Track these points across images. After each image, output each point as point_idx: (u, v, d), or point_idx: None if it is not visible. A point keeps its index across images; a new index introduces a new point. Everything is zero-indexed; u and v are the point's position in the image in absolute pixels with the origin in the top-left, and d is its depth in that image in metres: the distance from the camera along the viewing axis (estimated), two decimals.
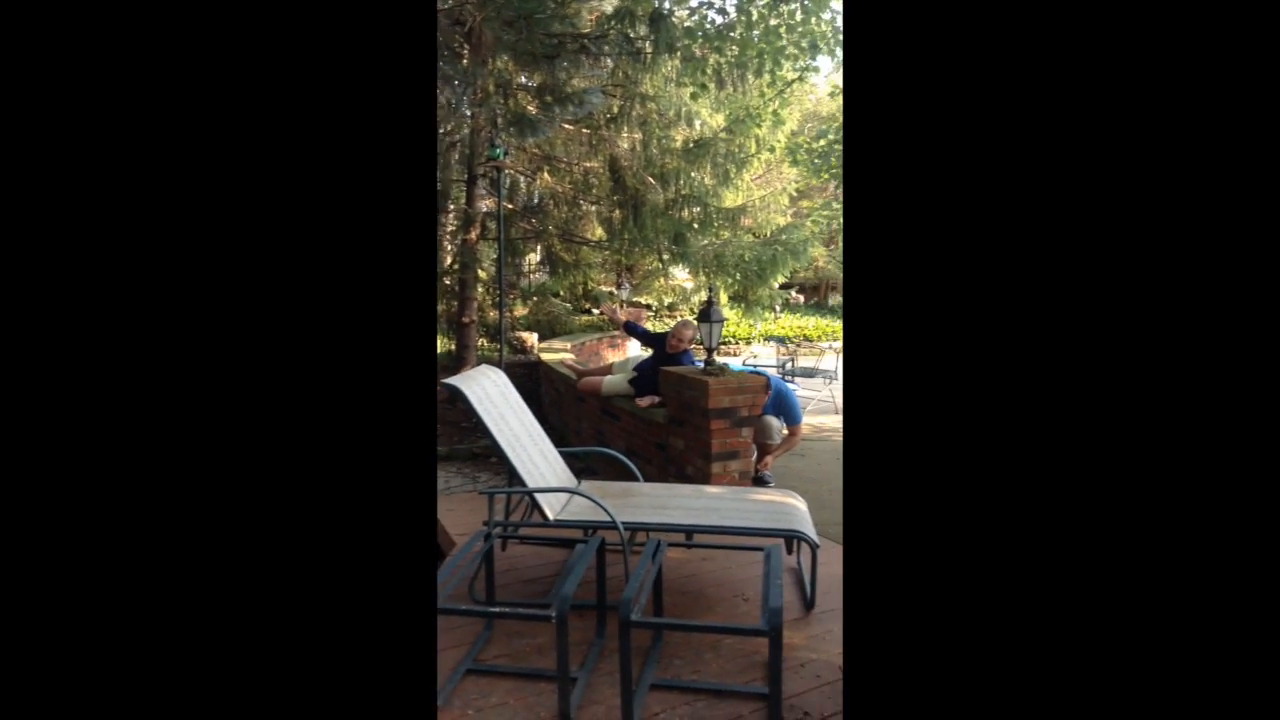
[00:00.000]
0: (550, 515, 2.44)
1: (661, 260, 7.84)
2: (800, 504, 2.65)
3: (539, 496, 2.43)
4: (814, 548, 2.40)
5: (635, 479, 2.98)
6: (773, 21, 4.97)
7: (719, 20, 4.98)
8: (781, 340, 9.94)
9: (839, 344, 9.50)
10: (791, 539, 2.45)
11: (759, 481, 3.80)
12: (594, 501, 2.43)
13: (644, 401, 3.86)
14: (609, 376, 4.37)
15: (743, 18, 4.93)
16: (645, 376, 3.98)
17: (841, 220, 7.75)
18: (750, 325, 9.74)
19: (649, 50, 5.39)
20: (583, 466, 4.05)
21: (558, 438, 4.59)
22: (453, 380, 2.47)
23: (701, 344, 3.80)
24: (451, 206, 7.81)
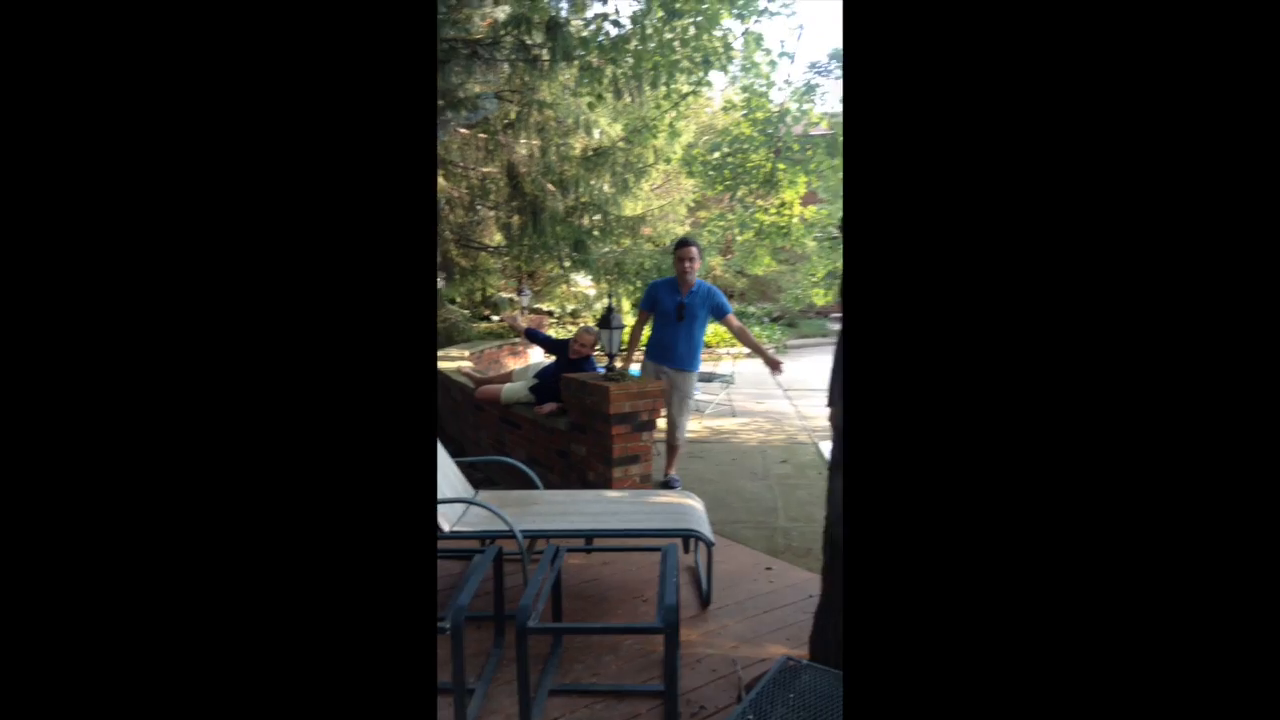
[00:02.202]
0: (446, 527, 2.39)
1: (563, 267, 7.84)
2: (697, 504, 2.72)
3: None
4: (709, 546, 2.47)
5: (536, 488, 2.97)
6: (667, 35, 5.09)
7: (615, 32, 5.05)
8: None
9: (734, 350, 9.81)
10: (688, 538, 2.52)
11: (667, 485, 3.88)
12: (491, 511, 2.40)
13: (545, 409, 3.84)
14: (508, 384, 4.32)
15: (638, 30, 5.03)
16: (547, 383, 3.97)
17: (737, 230, 8.02)
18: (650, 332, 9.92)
19: (546, 58, 5.39)
20: (482, 477, 3.97)
21: (455, 448, 4.49)
22: None
23: (604, 350, 3.83)
24: None
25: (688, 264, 3.83)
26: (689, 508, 2.64)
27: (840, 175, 6.80)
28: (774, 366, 4.06)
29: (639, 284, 7.89)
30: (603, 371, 3.80)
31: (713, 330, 7.95)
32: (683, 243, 3.93)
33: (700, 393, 7.06)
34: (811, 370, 9.17)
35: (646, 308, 4.06)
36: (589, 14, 5.63)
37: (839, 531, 1.72)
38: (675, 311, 3.86)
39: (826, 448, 5.06)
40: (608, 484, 3.58)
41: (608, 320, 3.76)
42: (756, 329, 12.82)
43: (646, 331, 4.19)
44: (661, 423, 3.89)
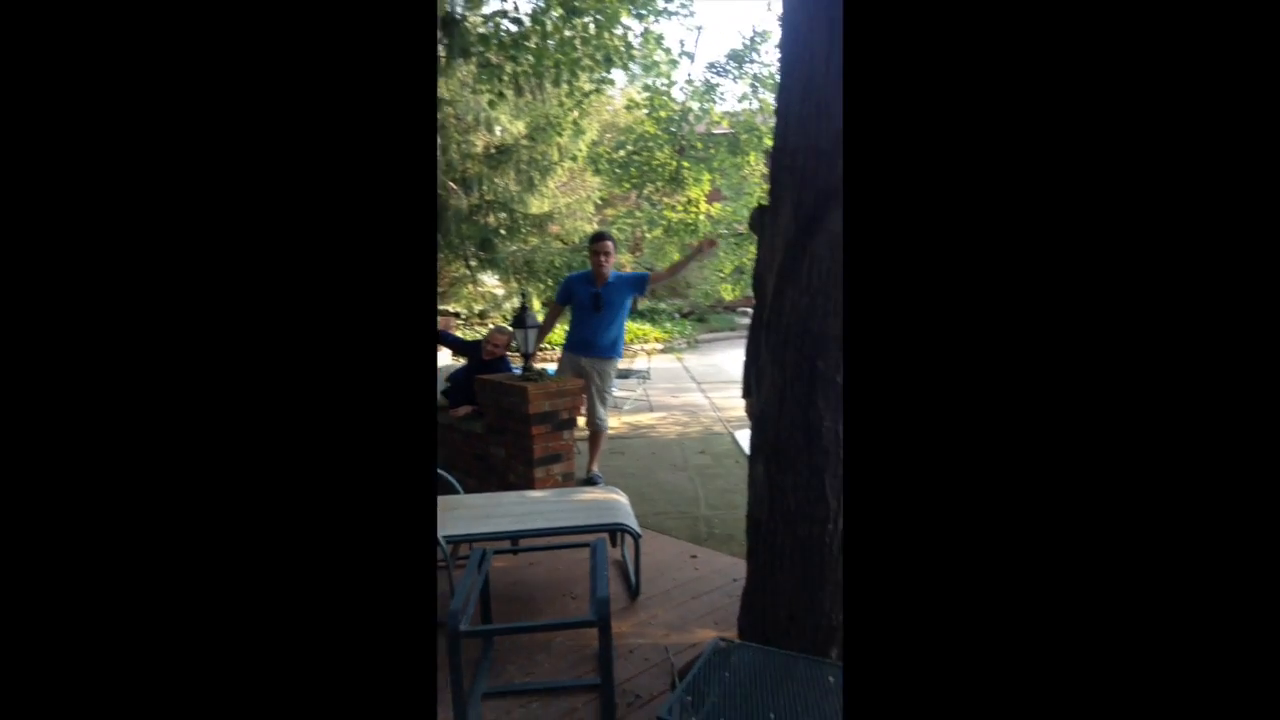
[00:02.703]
0: None
1: (469, 266, 7.67)
2: (622, 498, 2.75)
3: None
4: (636, 538, 2.50)
5: (456, 493, 2.91)
6: (567, 33, 5.07)
7: (513, 29, 4.98)
8: None
9: (649, 346, 9.92)
10: (615, 532, 2.54)
11: (589, 482, 3.88)
12: None
13: (459, 412, 3.76)
14: None
15: (537, 28, 4.99)
16: (459, 386, 3.89)
17: (646, 227, 8.10)
18: (564, 330, 9.90)
19: (443, 55, 5.25)
20: None
21: None
22: None
23: (518, 350, 3.79)
24: None
25: (603, 258, 3.83)
26: (614, 502, 2.66)
27: (742, 173, 7.01)
28: (709, 244, 4.30)
29: (550, 282, 7.83)
30: (519, 372, 3.76)
31: (627, 328, 8.01)
32: (598, 236, 3.95)
33: (618, 389, 7.11)
34: (723, 363, 9.40)
35: (561, 301, 4.06)
36: (486, 10, 5.54)
37: (761, 514, 1.79)
38: (591, 303, 3.86)
39: (743, 437, 5.21)
40: (530, 484, 3.55)
41: (522, 319, 3.72)
42: (668, 324, 13.01)
43: (559, 332, 4.18)
44: (581, 420, 3.89)
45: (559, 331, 5.45)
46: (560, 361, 4.09)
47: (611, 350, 3.95)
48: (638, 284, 4.01)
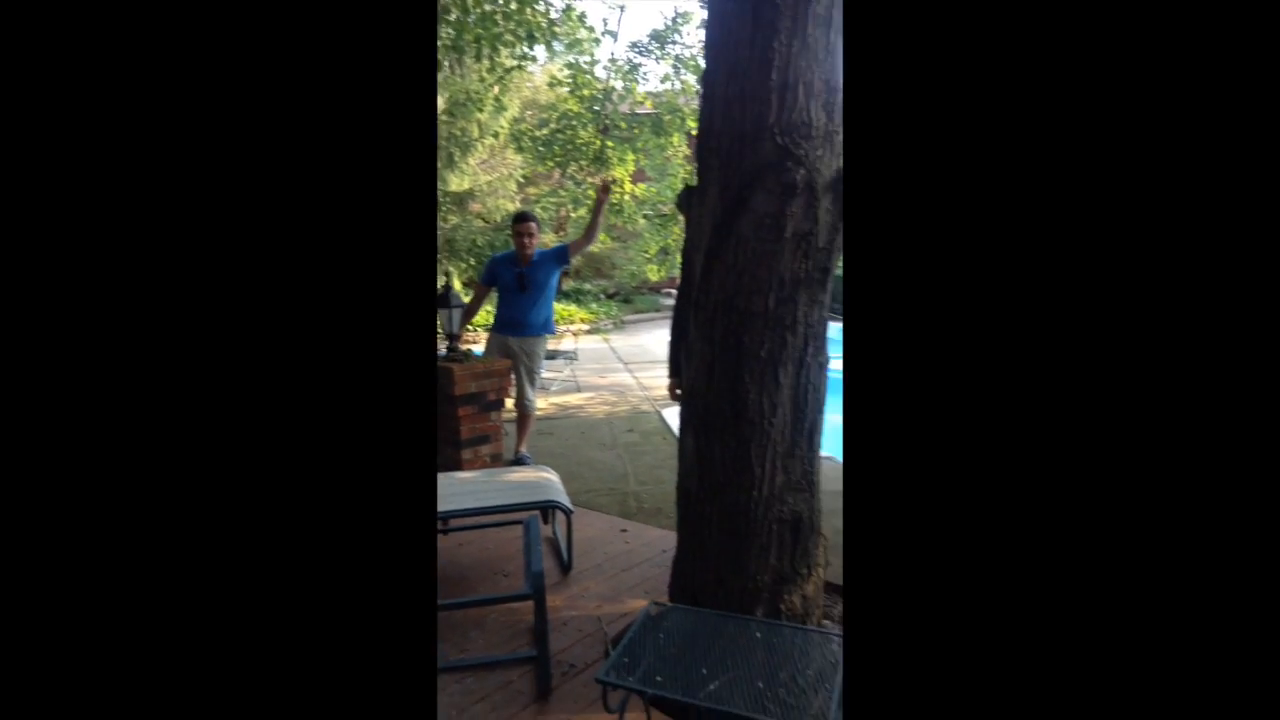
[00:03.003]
0: None
1: None
2: (552, 476, 2.78)
3: None
4: (568, 514, 2.54)
5: None
6: (487, 7, 4.96)
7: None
8: None
9: (575, 327, 9.91)
10: (547, 509, 2.57)
11: (518, 463, 3.88)
12: None
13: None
14: None
15: (458, 1, 4.85)
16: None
17: (570, 207, 8.06)
18: (489, 311, 9.81)
19: None
20: None
21: None
22: None
23: (443, 331, 3.73)
24: None
25: (527, 239, 3.80)
26: (545, 480, 2.68)
27: (665, 154, 7.06)
28: (604, 189, 4.14)
29: (472, 261, 7.69)
30: (444, 353, 3.70)
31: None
32: (521, 217, 3.90)
33: (545, 370, 7.09)
34: (649, 343, 9.50)
35: (486, 282, 4.02)
36: None
37: (691, 484, 1.86)
38: (516, 283, 3.83)
39: (670, 415, 5.31)
40: (458, 466, 3.52)
41: (445, 299, 3.66)
42: (594, 305, 13.00)
43: (484, 316, 4.13)
44: (510, 401, 3.88)
45: (483, 315, 5.38)
46: (487, 342, 4.05)
47: (541, 329, 3.93)
48: (559, 256, 3.99)
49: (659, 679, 1.34)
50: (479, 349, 4.10)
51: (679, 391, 2.43)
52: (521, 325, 3.88)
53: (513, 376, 3.87)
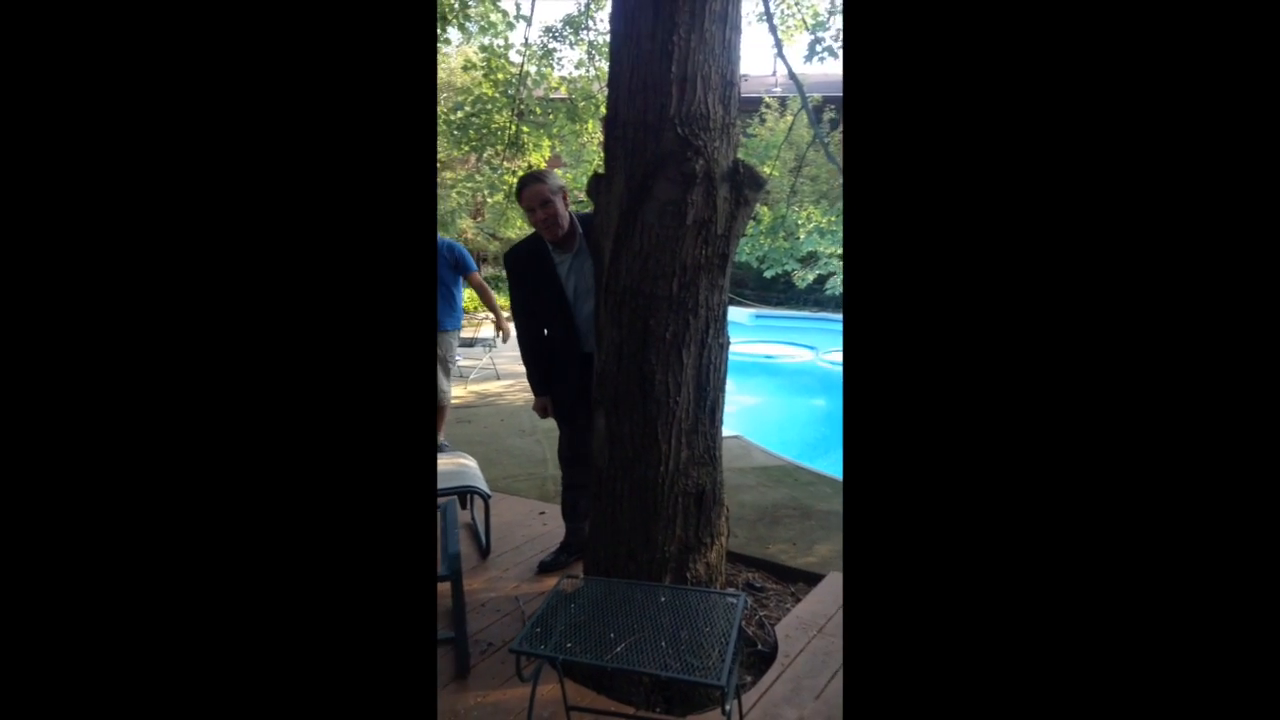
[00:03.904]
0: None
1: None
2: (470, 462, 2.79)
3: None
4: (486, 499, 2.57)
5: None
6: None
7: None
8: None
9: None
10: (465, 494, 2.59)
11: (436, 449, 3.84)
12: None
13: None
14: None
15: None
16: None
17: (486, 192, 7.93)
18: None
19: None
20: None
21: None
22: None
23: None
24: None
25: None
26: (462, 467, 2.70)
27: (580, 140, 7.06)
28: (502, 331, 4.03)
29: None
30: None
31: (470, 295, 7.85)
32: None
33: (463, 358, 6.98)
34: None
35: None
36: None
37: (602, 461, 1.93)
38: None
39: None
40: None
41: None
42: None
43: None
44: None
45: None
46: None
47: (447, 321, 3.81)
48: (460, 266, 3.80)
49: (569, 645, 1.41)
50: None
51: (548, 411, 2.47)
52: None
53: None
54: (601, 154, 1.95)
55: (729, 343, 1.94)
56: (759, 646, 2.02)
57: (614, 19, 1.88)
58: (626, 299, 1.82)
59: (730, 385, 2.07)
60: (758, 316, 13.19)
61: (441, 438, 3.98)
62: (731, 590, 1.96)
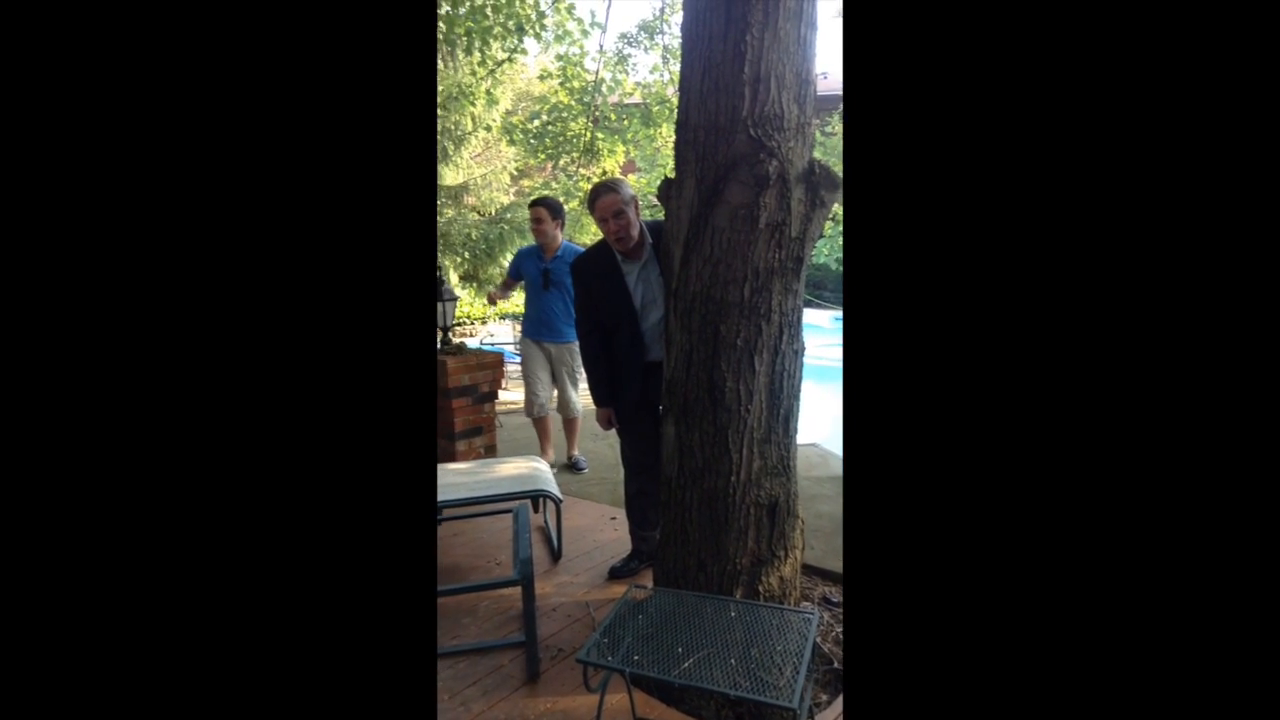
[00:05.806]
0: None
1: None
2: (543, 466, 2.82)
3: None
4: (558, 503, 2.59)
5: None
6: (478, 1, 4.97)
7: None
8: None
9: None
10: (537, 498, 2.61)
11: (574, 467, 3.82)
12: None
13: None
14: None
15: None
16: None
17: (563, 199, 8.06)
18: (485, 305, 9.81)
19: None
20: None
21: None
22: None
23: (438, 324, 3.76)
24: None
25: (535, 225, 3.50)
26: (536, 471, 2.73)
27: (655, 145, 7.06)
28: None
29: (466, 255, 7.69)
30: (438, 345, 3.74)
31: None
32: (531, 203, 3.58)
33: None
34: None
35: (513, 276, 3.81)
36: None
37: (672, 471, 1.91)
38: (540, 279, 3.54)
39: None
40: (451, 458, 3.57)
41: (438, 293, 3.70)
42: None
43: (513, 305, 4.00)
44: (506, 395, 3.91)
45: (479, 308, 5.33)
46: (521, 347, 3.82)
47: (570, 334, 3.57)
48: None
49: (637, 658, 1.39)
50: (473, 343, 4.12)
51: (611, 422, 2.44)
52: (550, 328, 3.61)
53: (542, 376, 3.70)
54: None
55: (804, 349, 1.88)
56: (835, 664, 1.94)
57: (685, 22, 1.86)
58: (696, 305, 1.79)
59: (808, 390, 2.00)
60: (839, 319, 12.84)
61: (576, 452, 3.88)
62: (806, 606, 1.90)
